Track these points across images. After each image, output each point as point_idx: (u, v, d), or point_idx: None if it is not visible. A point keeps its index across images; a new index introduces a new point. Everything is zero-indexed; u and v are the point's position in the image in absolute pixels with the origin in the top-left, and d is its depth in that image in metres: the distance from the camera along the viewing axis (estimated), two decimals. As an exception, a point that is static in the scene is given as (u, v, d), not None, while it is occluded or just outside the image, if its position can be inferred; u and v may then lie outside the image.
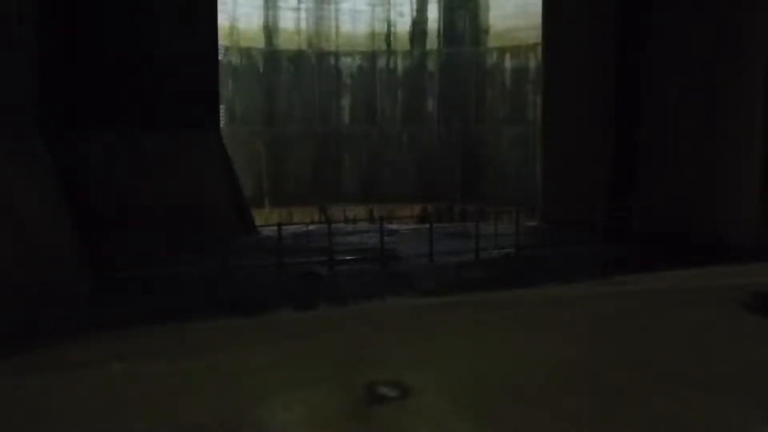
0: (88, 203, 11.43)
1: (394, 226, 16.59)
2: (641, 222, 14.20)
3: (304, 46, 26.56)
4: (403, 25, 26.89)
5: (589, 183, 15.63)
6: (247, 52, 25.64)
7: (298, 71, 26.55)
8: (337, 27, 26.80)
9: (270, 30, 26.06)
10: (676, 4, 13.76)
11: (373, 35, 26.90)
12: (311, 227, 13.89)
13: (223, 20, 20.58)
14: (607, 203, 15.03)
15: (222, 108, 19.09)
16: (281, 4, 26.21)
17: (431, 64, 26.88)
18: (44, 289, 7.42)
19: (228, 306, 8.16)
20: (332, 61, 26.89)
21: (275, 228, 12.09)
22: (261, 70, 26.01)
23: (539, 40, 19.49)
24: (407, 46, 26.96)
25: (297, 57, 26.52)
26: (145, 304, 8.25)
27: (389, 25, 26.91)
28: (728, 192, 12.90)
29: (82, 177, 12.01)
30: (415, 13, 26.83)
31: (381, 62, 27.02)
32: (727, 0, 12.84)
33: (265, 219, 21.44)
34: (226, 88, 23.41)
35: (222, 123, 18.61)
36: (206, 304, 8.28)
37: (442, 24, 26.61)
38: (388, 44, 26.93)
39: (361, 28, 26.90)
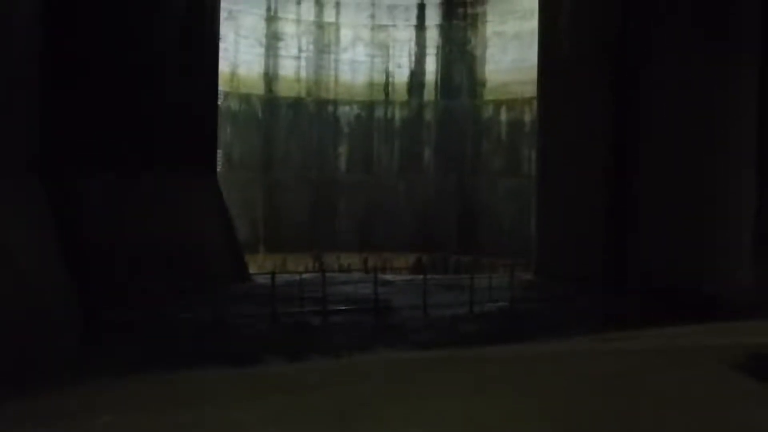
0: (80, 245, 11.36)
1: (388, 277, 16.50)
2: (636, 276, 14.15)
3: (303, 94, 26.85)
4: (401, 77, 27.26)
5: (585, 237, 15.62)
6: (246, 98, 25.89)
7: (297, 118, 26.79)
8: (336, 76, 27.16)
9: (270, 77, 26.38)
10: (672, 62, 13.98)
11: (371, 85, 27.24)
12: (305, 275, 13.79)
13: (224, 66, 20.84)
14: (603, 257, 15.00)
15: (219, 153, 19.17)
16: (282, 52, 26.59)
17: (428, 115, 27.17)
18: (33, 335, 7.32)
19: (218, 356, 8.03)
20: (331, 109, 27.16)
21: (269, 275, 12.01)
22: (260, 116, 26.24)
23: (535, 94, 19.74)
24: (405, 97, 27.28)
25: (296, 104, 26.79)
26: (134, 351, 8.13)
27: (387, 76, 27.27)
28: (722, 247, 12.92)
29: (76, 219, 11.95)
30: (413, 65, 27.23)
31: (379, 112, 27.29)
32: (717, 66, 13.06)
33: (260, 265, 21.34)
34: (225, 133, 23.56)
35: (219, 168, 18.67)
36: (196, 353, 8.15)
37: (439, 76, 26.99)
38: (386, 94, 27.25)
39: (360, 78, 27.26)
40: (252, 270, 16.97)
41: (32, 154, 9.75)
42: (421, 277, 13.66)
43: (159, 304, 10.76)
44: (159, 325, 9.75)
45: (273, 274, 11.66)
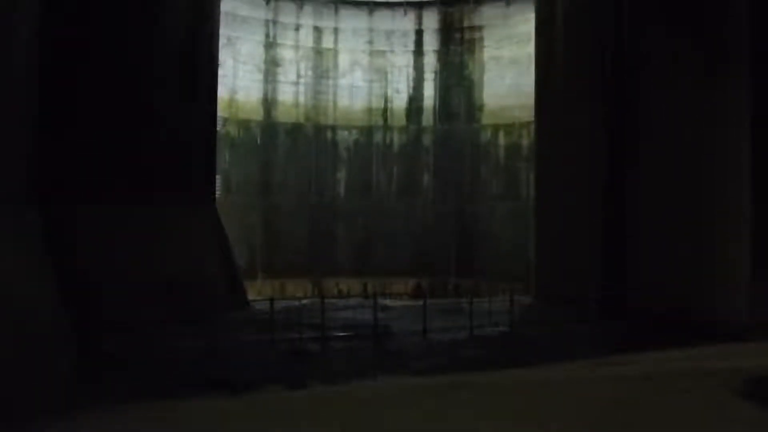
0: (76, 274, 11.32)
1: (388, 302, 16.46)
2: (634, 299, 14.13)
3: (301, 120, 26.97)
4: (400, 102, 27.41)
5: (583, 260, 15.62)
6: (245, 124, 26.00)
7: (295, 144, 26.88)
8: (335, 101, 27.30)
9: (269, 103, 26.52)
10: (663, 88, 14.07)
11: (370, 110, 27.38)
12: (304, 301, 13.76)
13: (222, 92, 20.95)
14: (601, 281, 14.99)
15: (218, 178, 19.20)
16: (281, 78, 26.75)
17: (427, 140, 27.27)
18: (27, 366, 7.27)
19: (217, 384, 7.98)
20: (329, 134, 27.27)
21: (267, 301, 11.98)
22: (258, 141, 26.33)
23: (532, 118, 19.84)
24: (403, 122, 27.40)
25: (294, 130, 26.90)
26: (131, 381, 8.07)
27: (386, 101, 27.42)
28: (720, 271, 12.90)
29: (72, 247, 11.91)
30: (411, 90, 27.39)
31: (377, 137, 27.40)
32: (711, 91, 13.14)
33: (258, 291, 21.29)
34: (223, 158, 23.63)
35: (217, 193, 18.69)
36: (194, 382, 8.11)
37: (437, 101, 27.14)
38: (385, 119, 27.38)
39: (359, 103, 27.41)
40: (251, 296, 16.94)
41: (30, 184, 9.76)
42: (420, 301, 13.64)
43: (156, 332, 10.71)
44: (156, 354, 9.70)
45: (272, 300, 11.63)
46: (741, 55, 12.80)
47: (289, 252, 25.63)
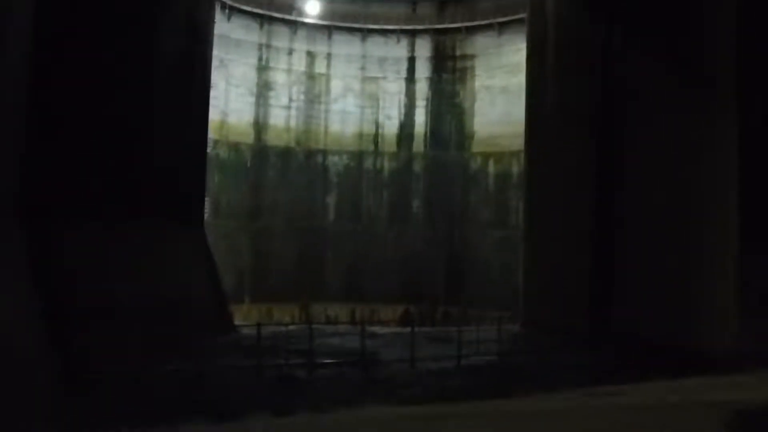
0: (62, 297, 11.17)
1: (376, 329, 16.35)
2: (622, 328, 14.11)
3: (292, 144, 27.04)
4: (391, 128, 27.56)
5: (571, 288, 15.61)
6: (235, 147, 26.02)
7: (286, 167, 26.90)
8: (326, 126, 27.41)
9: (260, 126, 26.59)
10: (651, 120, 14.19)
11: (361, 136, 27.50)
12: (291, 327, 13.64)
13: (214, 114, 20.96)
14: (588, 309, 14.97)
15: (207, 201, 19.11)
16: (272, 101, 26.85)
17: (417, 166, 27.38)
18: (13, 390, 7.13)
19: (202, 410, 7.85)
20: (320, 159, 27.32)
21: (254, 326, 11.86)
22: (249, 164, 26.34)
23: (522, 147, 19.95)
24: (394, 148, 27.52)
25: (285, 153, 26.94)
26: (116, 406, 7.94)
27: (377, 127, 27.55)
28: (706, 302, 12.91)
29: (59, 269, 11.76)
30: (402, 117, 27.55)
31: (368, 162, 27.49)
32: (697, 120, 13.27)
33: (245, 315, 21.13)
34: (213, 181, 23.59)
35: (206, 216, 18.59)
36: (180, 408, 7.97)
37: (428, 128, 27.31)
38: (376, 145, 27.49)
39: (350, 128, 27.52)
40: (238, 320, 16.79)
41: (16, 201, 9.66)
42: (409, 329, 13.55)
43: (142, 356, 10.57)
44: (141, 378, 9.55)
45: (259, 326, 11.52)
46: (727, 90, 12.95)
47: (277, 276, 25.51)
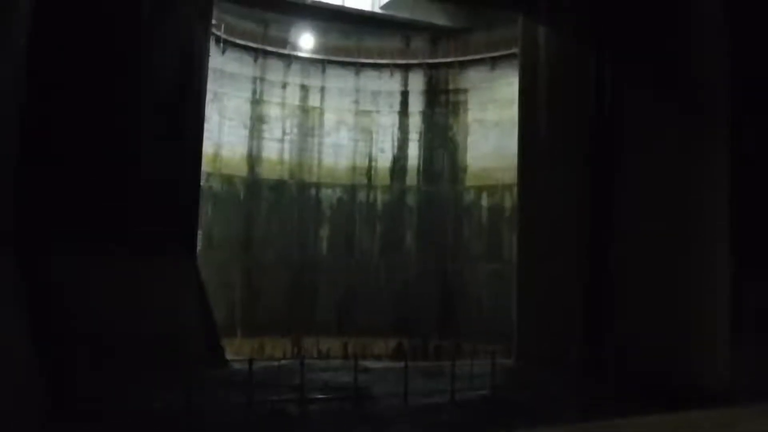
0: (53, 325, 11.04)
1: (368, 363, 16.18)
2: (615, 362, 14.02)
3: (285, 176, 27.06)
4: (384, 161, 27.65)
5: (564, 322, 15.53)
6: (228, 179, 26.02)
7: (279, 200, 26.89)
8: (320, 159, 27.48)
9: (253, 159, 26.62)
10: (644, 149, 14.26)
11: (354, 169, 27.56)
12: (283, 362, 13.47)
13: (207, 147, 20.96)
14: (582, 343, 14.89)
15: (199, 233, 19.03)
16: (266, 134, 26.93)
17: (410, 200, 27.42)
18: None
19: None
20: (313, 192, 27.34)
21: (246, 360, 11.70)
22: (241, 197, 26.32)
23: (515, 180, 20.00)
24: (387, 181, 27.58)
25: (278, 186, 26.95)
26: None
27: (370, 160, 27.64)
28: (700, 336, 12.87)
29: (50, 298, 11.64)
30: (396, 150, 27.66)
31: (361, 195, 27.51)
32: (690, 148, 13.35)
33: (237, 349, 20.89)
34: (206, 213, 23.53)
35: (198, 248, 18.48)
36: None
37: (421, 162, 27.41)
38: (369, 178, 27.54)
39: (343, 161, 27.60)
40: (229, 354, 16.58)
41: (5, 229, 9.58)
42: (401, 363, 13.41)
43: (131, 390, 10.40)
44: (129, 413, 9.39)
45: (251, 361, 11.37)
46: (719, 116, 13.07)
47: (270, 309, 25.32)
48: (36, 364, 9.15)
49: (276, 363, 12.98)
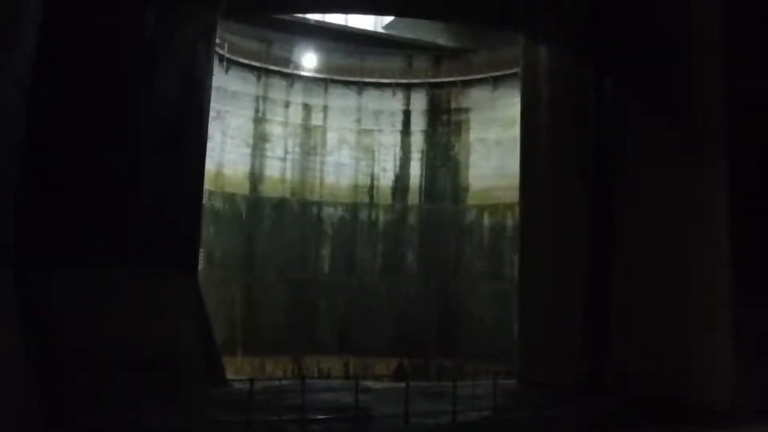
0: (50, 343, 10.98)
1: (369, 383, 16.08)
2: (616, 382, 13.95)
3: (287, 195, 27.09)
4: (386, 180, 27.68)
5: (566, 343, 15.45)
6: (230, 198, 26.04)
7: (280, 218, 26.89)
8: (322, 178, 27.52)
9: (255, 177, 26.67)
10: (643, 173, 14.27)
11: (356, 188, 27.60)
12: (284, 382, 13.39)
13: (209, 165, 20.98)
14: (583, 363, 14.81)
15: (201, 251, 19.00)
16: (268, 153, 27.00)
17: (412, 219, 27.42)
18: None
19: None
20: (315, 210, 27.35)
21: (246, 379, 11.63)
22: (243, 215, 26.33)
23: (516, 199, 19.99)
24: (389, 200, 27.58)
25: (280, 205, 26.97)
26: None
27: (372, 179, 27.67)
28: (701, 356, 12.81)
29: (46, 313, 11.58)
30: (398, 169, 27.71)
31: (363, 214, 27.51)
32: (688, 168, 13.37)
33: (238, 369, 20.82)
34: (207, 231, 23.52)
35: (200, 266, 18.46)
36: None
37: (423, 181, 27.44)
38: (371, 197, 27.56)
39: (345, 180, 27.63)
40: (230, 373, 16.49)
41: (3, 246, 9.56)
42: (403, 383, 13.33)
43: (129, 409, 10.33)
44: (126, 430, 9.32)
45: (252, 381, 11.30)
46: (718, 141, 13.10)
47: (270, 328, 25.23)
48: (32, 380, 9.10)
49: (277, 382, 12.90)
